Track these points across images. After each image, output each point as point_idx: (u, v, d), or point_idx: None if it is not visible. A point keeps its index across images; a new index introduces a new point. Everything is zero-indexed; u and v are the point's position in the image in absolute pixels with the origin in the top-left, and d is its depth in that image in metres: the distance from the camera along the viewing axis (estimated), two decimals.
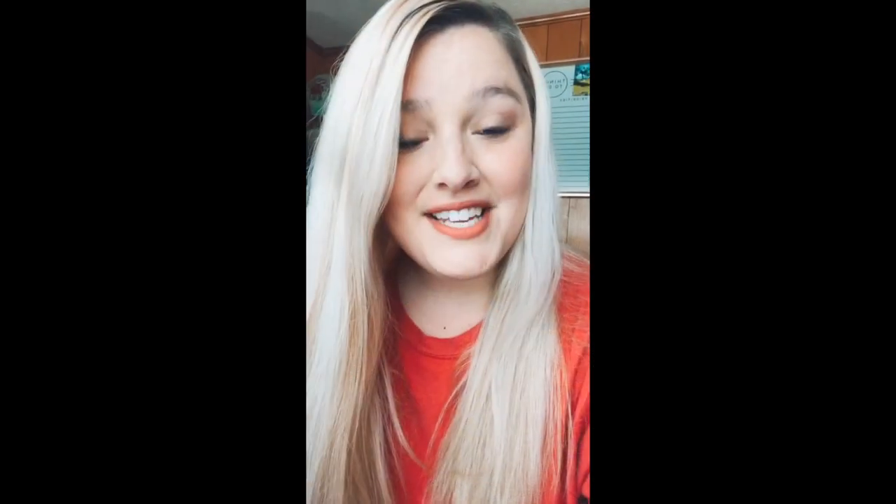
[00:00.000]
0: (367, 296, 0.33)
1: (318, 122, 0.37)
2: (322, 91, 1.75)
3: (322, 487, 0.34)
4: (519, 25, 0.37)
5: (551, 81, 1.61)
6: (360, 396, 0.34)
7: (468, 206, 0.32)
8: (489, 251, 0.33)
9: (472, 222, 0.32)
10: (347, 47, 0.34)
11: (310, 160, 0.36)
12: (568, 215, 1.59)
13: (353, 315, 0.33)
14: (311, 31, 1.83)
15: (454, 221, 0.32)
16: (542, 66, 0.37)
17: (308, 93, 1.81)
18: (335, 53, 0.34)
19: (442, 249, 0.33)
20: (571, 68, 1.60)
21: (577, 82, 1.59)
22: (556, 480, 0.34)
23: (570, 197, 1.58)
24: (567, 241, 1.59)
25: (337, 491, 0.34)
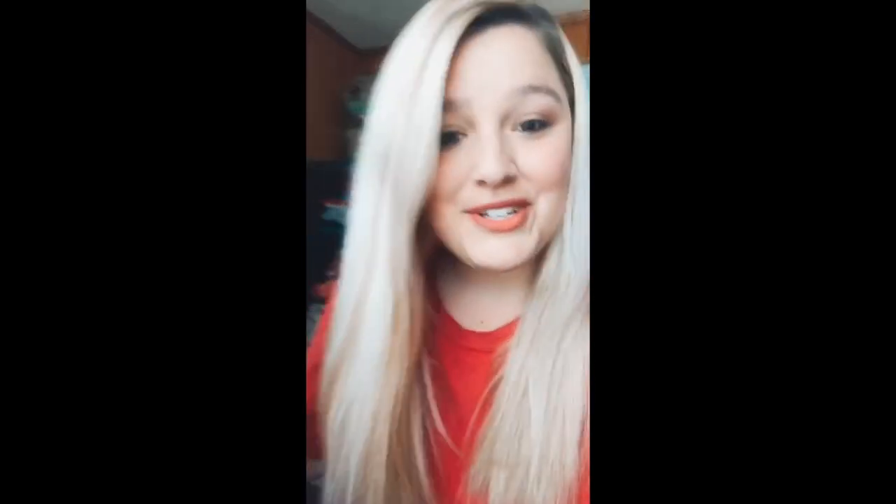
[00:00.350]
0: (408, 287, 0.34)
1: (356, 121, 0.38)
2: (359, 92, 1.79)
3: (365, 468, 0.36)
4: (561, 23, 0.37)
5: None
6: (402, 383, 0.36)
7: (507, 205, 0.33)
8: (525, 243, 0.34)
9: (509, 216, 0.33)
10: (386, 48, 0.35)
11: (349, 157, 0.38)
12: None
13: (396, 304, 0.34)
14: (348, 32, 1.87)
15: (493, 217, 0.33)
16: (584, 64, 0.37)
17: (346, 94, 1.85)
18: (372, 54, 0.35)
19: (480, 242, 0.34)
20: None
21: None
22: None
23: None
24: None
25: (378, 472, 0.36)
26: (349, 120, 1.79)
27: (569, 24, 1.55)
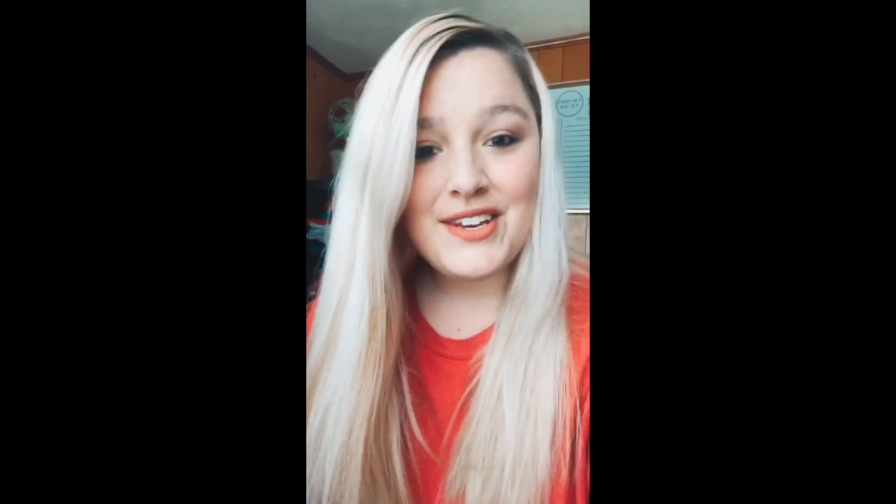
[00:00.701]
0: (385, 293, 0.36)
1: (341, 142, 0.40)
2: (345, 114, 1.82)
3: (342, 472, 0.36)
4: (535, 49, 0.40)
5: (567, 101, 1.64)
6: (378, 389, 0.36)
7: (479, 213, 0.35)
8: (496, 253, 0.36)
9: (481, 226, 0.35)
10: (370, 71, 0.37)
11: (334, 174, 0.40)
12: (586, 231, 1.59)
13: (373, 310, 0.35)
14: (335, 58, 1.92)
15: (466, 225, 0.35)
16: (558, 86, 0.40)
17: (332, 115, 1.88)
18: (357, 78, 0.38)
19: (455, 251, 0.36)
20: (586, 88, 1.62)
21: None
22: (564, 474, 0.35)
23: (587, 214, 1.58)
24: (585, 255, 1.58)
25: (354, 476, 0.36)
26: (334, 141, 1.83)
27: (544, 49, 1.62)
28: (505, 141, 0.35)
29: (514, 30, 0.40)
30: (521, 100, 0.36)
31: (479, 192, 0.34)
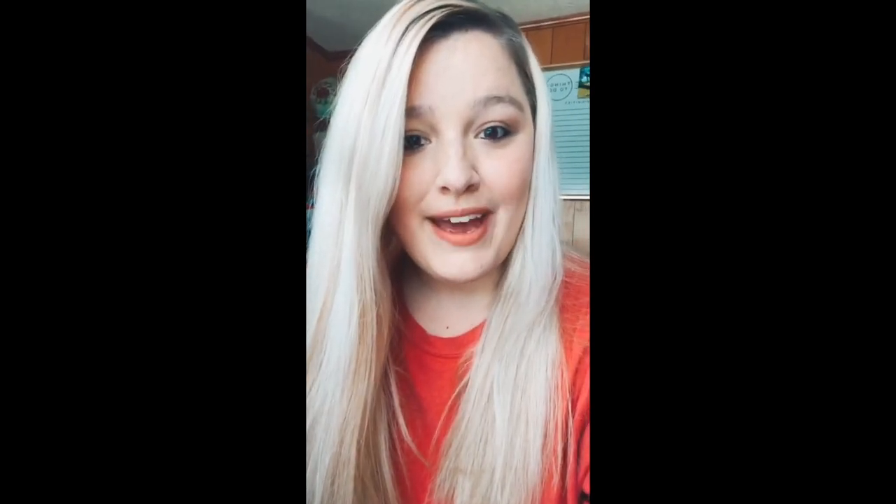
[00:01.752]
0: (375, 295, 0.34)
1: (323, 124, 0.37)
2: (328, 95, 1.76)
3: (333, 484, 0.35)
4: (524, 29, 0.37)
5: (556, 84, 1.61)
6: (369, 394, 0.35)
7: (469, 213, 0.33)
8: (485, 256, 0.34)
9: (471, 227, 0.33)
10: (354, 50, 0.34)
11: (317, 161, 0.37)
12: (573, 218, 1.59)
13: (362, 313, 0.33)
14: (316, 34, 1.85)
15: (454, 226, 0.33)
16: (547, 69, 0.38)
17: (314, 96, 1.82)
18: (340, 57, 0.35)
19: (442, 254, 0.34)
20: (576, 71, 1.60)
21: (581, 85, 1.59)
22: (556, 478, 0.34)
23: (574, 199, 1.58)
24: (572, 243, 1.59)
25: (347, 486, 0.35)
26: (317, 123, 1.77)
27: (532, 29, 1.58)
28: (498, 133, 0.33)
29: (504, 8, 0.37)
30: (517, 90, 0.34)
31: (470, 188, 0.32)
